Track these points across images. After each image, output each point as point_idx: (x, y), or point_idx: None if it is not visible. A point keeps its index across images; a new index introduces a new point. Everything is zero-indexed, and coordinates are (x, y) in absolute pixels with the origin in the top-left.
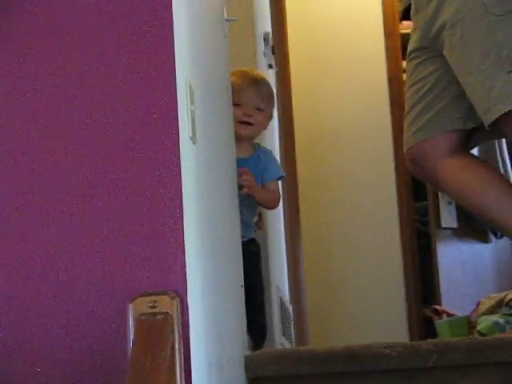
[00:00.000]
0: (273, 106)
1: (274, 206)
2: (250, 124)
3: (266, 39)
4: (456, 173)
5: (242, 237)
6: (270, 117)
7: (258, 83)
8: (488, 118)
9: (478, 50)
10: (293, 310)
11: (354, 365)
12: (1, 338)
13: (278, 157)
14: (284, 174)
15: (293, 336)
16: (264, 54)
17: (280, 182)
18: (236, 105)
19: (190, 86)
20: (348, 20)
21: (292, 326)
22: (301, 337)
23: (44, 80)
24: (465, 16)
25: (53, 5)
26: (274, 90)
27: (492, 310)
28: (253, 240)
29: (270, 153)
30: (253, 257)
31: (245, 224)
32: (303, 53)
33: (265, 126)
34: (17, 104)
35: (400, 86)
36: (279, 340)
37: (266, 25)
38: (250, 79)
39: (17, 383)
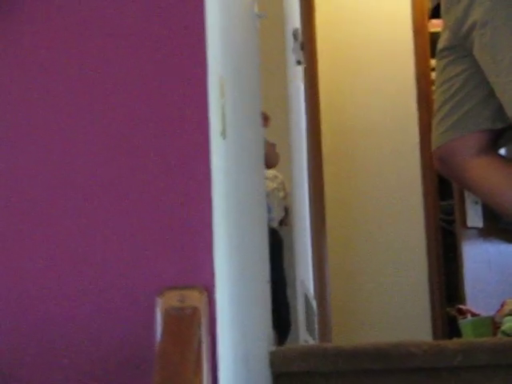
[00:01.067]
0: None
1: (275, 161)
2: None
3: (295, 35)
4: (483, 172)
5: None
6: None
7: None
8: None
9: (508, 50)
10: (317, 305)
11: (381, 362)
12: (29, 330)
13: (305, 154)
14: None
15: (316, 332)
16: (293, 50)
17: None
18: None
19: (222, 81)
20: (377, 17)
21: (316, 321)
22: (324, 333)
23: (72, 74)
24: (495, 16)
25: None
26: (302, 86)
27: None
28: (274, 231)
29: None
30: (274, 249)
31: None
32: (331, 49)
33: None
34: (40, 100)
35: (428, 84)
36: (303, 336)
37: (295, 21)
38: None
39: (45, 375)
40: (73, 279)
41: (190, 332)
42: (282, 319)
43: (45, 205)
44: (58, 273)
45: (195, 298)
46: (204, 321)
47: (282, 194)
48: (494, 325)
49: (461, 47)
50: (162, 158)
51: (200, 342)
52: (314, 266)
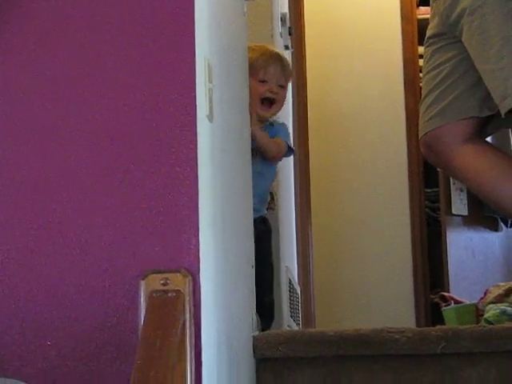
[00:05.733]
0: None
1: (271, 153)
2: (272, 103)
3: (283, 20)
4: (470, 160)
5: (254, 211)
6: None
7: (283, 60)
8: (504, 106)
9: (497, 38)
10: (301, 291)
11: (364, 348)
12: (12, 311)
13: (291, 138)
14: (294, 149)
15: (300, 318)
16: (281, 34)
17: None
18: (260, 81)
19: (209, 64)
20: (365, 3)
21: (300, 307)
22: (308, 319)
23: (62, 60)
24: (484, 3)
25: None
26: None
27: (500, 299)
28: (264, 219)
29: (284, 124)
30: (264, 236)
31: (257, 198)
32: (319, 35)
33: (283, 104)
34: (39, 88)
35: (415, 70)
36: (287, 321)
37: (283, 6)
38: (276, 56)
39: (27, 357)
40: (56, 261)
41: (173, 316)
42: (267, 304)
43: (29, 189)
44: (42, 255)
45: (179, 281)
46: (188, 304)
47: None
48: (477, 312)
49: (450, 34)
50: (147, 141)
51: (184, 326)
52: (298, 251)
